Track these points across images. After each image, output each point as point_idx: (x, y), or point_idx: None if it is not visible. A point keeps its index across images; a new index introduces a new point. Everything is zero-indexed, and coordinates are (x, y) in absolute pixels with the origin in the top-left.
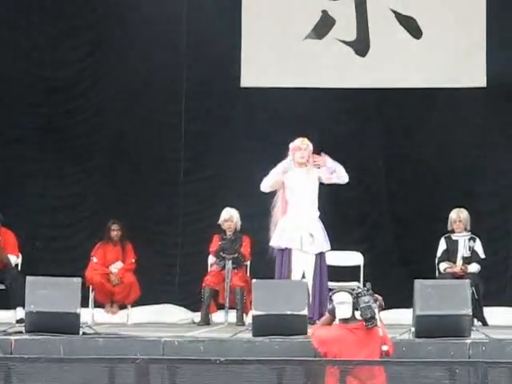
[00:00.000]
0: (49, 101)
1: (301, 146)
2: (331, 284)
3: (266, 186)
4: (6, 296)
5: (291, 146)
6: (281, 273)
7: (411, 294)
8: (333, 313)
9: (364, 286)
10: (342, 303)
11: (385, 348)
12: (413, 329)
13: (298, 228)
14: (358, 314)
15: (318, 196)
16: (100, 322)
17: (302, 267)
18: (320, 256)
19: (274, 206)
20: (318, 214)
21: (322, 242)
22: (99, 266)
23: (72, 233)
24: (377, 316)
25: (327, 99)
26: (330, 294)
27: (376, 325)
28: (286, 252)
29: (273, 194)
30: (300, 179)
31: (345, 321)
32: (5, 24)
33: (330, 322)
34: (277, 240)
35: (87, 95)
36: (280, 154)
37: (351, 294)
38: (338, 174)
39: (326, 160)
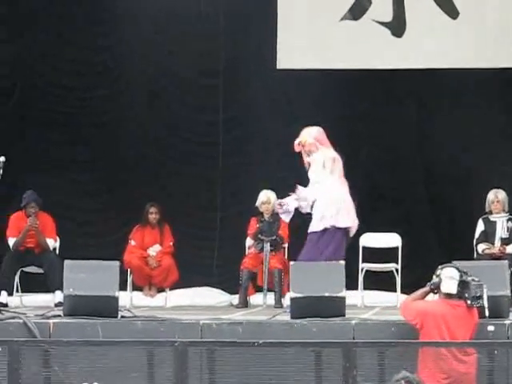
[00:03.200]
0: (79, 85)
1: (300, 142)
2: (368, 266)
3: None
4: (45, 280)
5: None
6: (339, 253)
7: None
8: (436, 287)
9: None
10: (451, 278)
11: (491, 328)
12: None
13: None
14: (459, 292)
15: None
16: (138, 305)
17: None
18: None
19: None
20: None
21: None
22: (137, 249)
23: (110, 216)
24: (484, 296)
25: (364, 80)
26: (439, 267)
27: (481, 304)
28: (340, 232)
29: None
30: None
31: (448, 296)
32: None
33: (424, 297)
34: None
35: (118, 79)
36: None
37: (460, 271)
38: (303, 206)
39: (298, 193)
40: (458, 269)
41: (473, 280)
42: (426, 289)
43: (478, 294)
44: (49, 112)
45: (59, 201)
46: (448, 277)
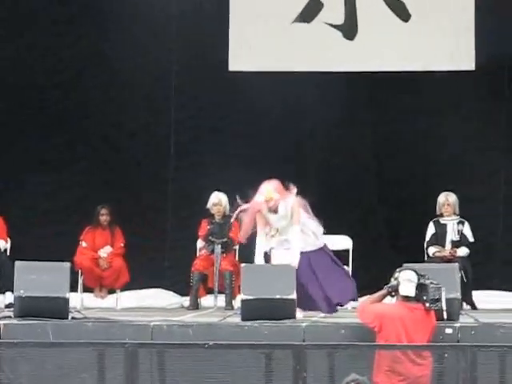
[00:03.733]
0: (40, 87)
1: (266, 200)
2: None
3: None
4: None
5: (257, 200)
6: None
7: None
8: (394, 289)
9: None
10: (410, 281)
11: (449, 331)
12: None
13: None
14: (417, 295)
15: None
16: (89, 307)
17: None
18: (317, 252)
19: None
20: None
21: (309, 241)
22: (88, 250)
23: (61, 218)
24: (443, 299)
25: (315, 83)
26: (397, 270)
27: (440, 307)
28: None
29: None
30: (278, 221)
31: (406, 299)
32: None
33: (381, 299)
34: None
35: (77, 82)
36: (268, 139)
37: (418, 274)
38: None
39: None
40: (416, 272)
41: (431, 283)
42: (384, 291)
43: (437, 297)
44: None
45: (10, 201)
46: (406, 279)
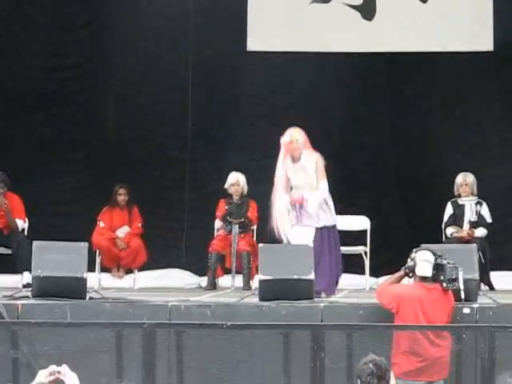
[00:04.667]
0: (55, 75)
1: (292, 140)
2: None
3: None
4: (13, 261)
5: (282, 140)
6: None
7: None
8: (411, 270)
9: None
10: (427, 261)
11: (467, 311)
12: None
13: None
14: (434, 275)
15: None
16: (107, 287)
17: (304, 239)
18: (323, 231)
19: (273, 205)
20: (321, 197)
21: (322, 216)
22: (106, 230)
23: (79, 197)
24: (460, 279)
25: (334, 64)
26: (413, 250)
27: (457, 287)
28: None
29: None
30: (296, 174)
31: (423, 279)
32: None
33: (399, 281)
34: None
35: (93, 69)
36: (285, 120)
37: (434, 254)
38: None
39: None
40: (432, 252)
41: (448, 263)
42: (401, 273)
43: (454, 277)
44: (25, 94)
45: (27, 181)
46: (423, 260)
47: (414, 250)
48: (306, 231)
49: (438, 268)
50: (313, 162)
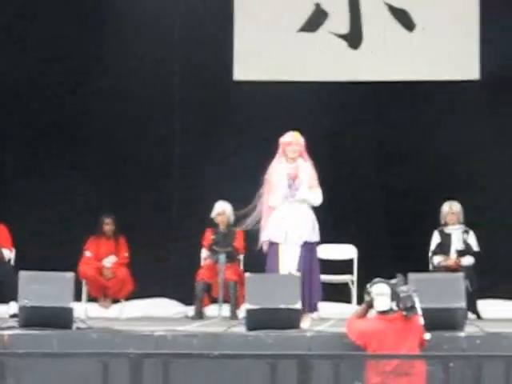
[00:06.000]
0: (38, 97)
1: (292, 141)
2: (324, 277)
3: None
4: (0, 290)
5: (282, 140)
6: (270, 266)
7: None
8: (370, 304)
9: (395, 277)
10: (382, 295)
11: (427, 337)
12: None
13: (283, 221)
14: (394, 305)
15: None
16: (93, 317)
17: (291, 259)
18: (307, 246)
19: (258, 199)
20: (307, 207)
21: (307, 232)
22: (92, 260)
23: (65, 227)
24: (417, 305)
25: (320, 92)
26: (368, 285)
27: (416, 313)
28: (273, 246)
29: None
30: (290, 172)
31: (383, 312)
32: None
33: (364, 314)
34: (266, 234)
35: (76, 88)
36: (272, 148)
37: (389, 285)
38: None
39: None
40: (387, 283)
41: (402, 291)
42: (364, 306)
43: (409, 305)
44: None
45: (14, 210)
46: (378, 294)
47: (368, 284)
48: (293, 251)
49: (395, 297)
50: (307, 169)
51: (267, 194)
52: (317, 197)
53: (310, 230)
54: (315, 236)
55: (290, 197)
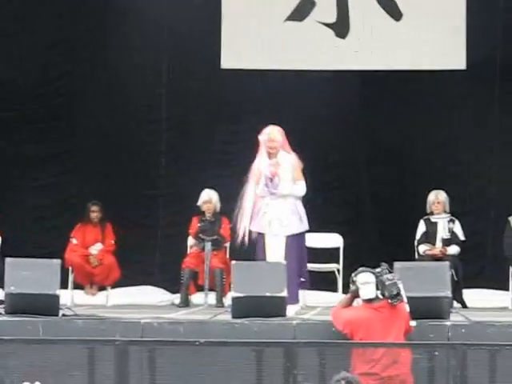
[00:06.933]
0: (34, 86)
1: (268, 139)
2: (310, 266)
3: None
4: None
5: (259, 137)
6: (259, 257)
7: None
8: (356, 293)
9: (379, 265)
10: (367, 283)
11: (413, 323)
12: None
13: (266, 214)
14: (379, 293)
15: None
16: (79, 304)
17: (277, 250)
18: (293, 237)
19: (242, 196)
20: (292, 198)
21: (294, 224)
22: (79, 247)
23: (52, 214)
24: (402, 292)
25: (307, 81)
26: (353, 274)
27: (402, 300)
28: (261, 236)
29: None
30: (271, 168)
31: (369, 301)
32: None
33: (350, 303)
34: (253, 224)
35: (69, 80)
36: (257, 137)
37: (373, 273)
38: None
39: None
40: (371, 272)
41: (387, 279)
42: (349, 295)
43: (395, 292)
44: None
45: (2, 197)
46: (363, 283)
47: (353, 273)
48: (277, 242)
49: (380, 285)
50: (289, 162)
51: (254, 182)
52: (299, 188)
53: (297, 221)
54: (302, 226)
55: (270, 194)
